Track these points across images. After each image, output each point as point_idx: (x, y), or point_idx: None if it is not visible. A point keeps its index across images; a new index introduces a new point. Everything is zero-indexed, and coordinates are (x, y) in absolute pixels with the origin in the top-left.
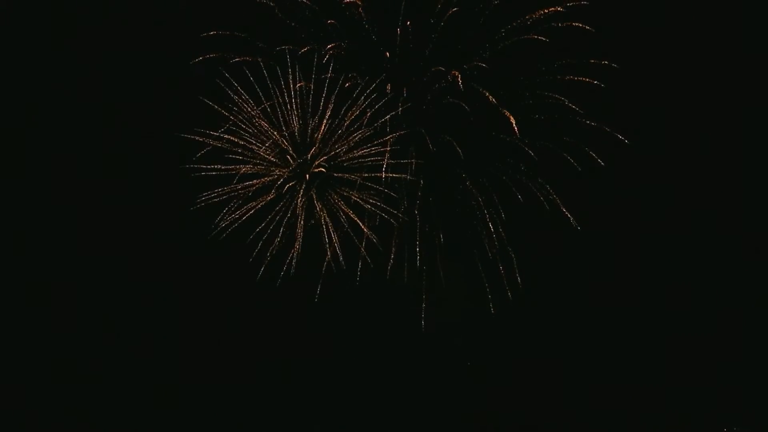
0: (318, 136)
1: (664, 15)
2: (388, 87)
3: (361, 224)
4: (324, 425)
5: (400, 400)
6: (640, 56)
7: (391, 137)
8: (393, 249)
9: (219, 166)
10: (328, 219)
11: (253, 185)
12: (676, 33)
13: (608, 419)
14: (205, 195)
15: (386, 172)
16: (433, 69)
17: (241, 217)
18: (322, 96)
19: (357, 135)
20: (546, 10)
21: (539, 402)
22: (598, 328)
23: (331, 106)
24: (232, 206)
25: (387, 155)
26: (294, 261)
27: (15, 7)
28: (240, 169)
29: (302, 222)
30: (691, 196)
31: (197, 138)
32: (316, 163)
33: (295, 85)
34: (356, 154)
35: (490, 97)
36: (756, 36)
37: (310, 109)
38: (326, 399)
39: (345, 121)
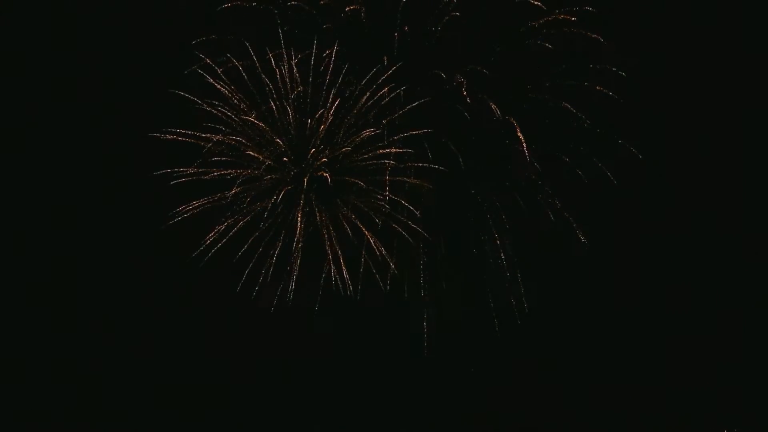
0: (318, 138)
1: (664, 19)
2: (386, 89)
3: (370, 239)
4: (324, 425)
5: (401, 400)
6: (644, 61)
7: (397, 137)
8: (394, 257)
9: (216, 170)
10: (330, 226)
11: (250, 189)
12: (678, 36)
13: (608, 419)
14: (196, 203)
15: (390, 176)
16: (430, 73)
17: (235, 224)
18: (320, 100)
19: (360, 136)
20: (549, 18)
21: (539, 402)
22: (598, 328)
23: (333, 108)
24: (229, 213)
25: (390, 159)
26: (292, 285)
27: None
28: (236, 173)
29: (301, 227)
30: (692, 198)
31: (185, 140)
32: (317, 164)
33: (293, 89)
34: (358, 158)
35: (494, 106)
36: (756, 37)
37: (308, 110)
38: (326, 400)
39: (345, 122)
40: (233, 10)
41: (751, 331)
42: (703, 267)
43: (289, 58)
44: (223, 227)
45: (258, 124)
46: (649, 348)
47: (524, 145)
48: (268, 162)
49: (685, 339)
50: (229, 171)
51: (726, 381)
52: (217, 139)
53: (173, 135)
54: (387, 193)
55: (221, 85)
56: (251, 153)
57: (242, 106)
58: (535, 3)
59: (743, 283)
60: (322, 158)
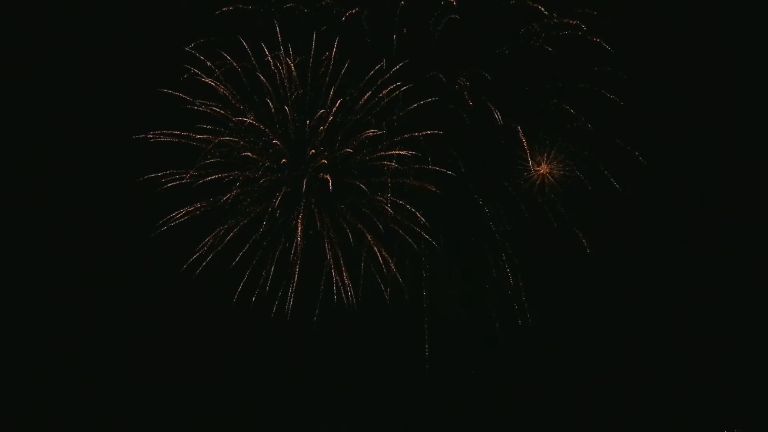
0: (318, 138)
1: (665, 23)
2: (384, 92)
3: (372, 243)
4: (330, 423)
5: (405, 400)
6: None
7: (398, 138)
8: (395, 257)
9: (213, 173)
10: (331, 230)
11: (247, 193)
12: (679, 39)
13: (608, 419)
14: (195, 205)
15: (391, 178)
16: (430, 75)
17: (231, 229)
18: (319, 101)
19: (361, 136)
20: (550, 22)
21: (539, 402)
22: (598, 327)
23: (333, 109)
24: (229, 217)
25: (393, 161)
26: (292, 290)
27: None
28: (232, 176)
29: (301, 233)
30: (691, 200)
31: (177, 140)
32: (316, 165)
33: (292, 91)
34: (359, 159)
35: (496, 112)
36: (758, 40)
37: (307, 110)
38: (332, 399)
39: (345, 123)
40: (232, 12)
41: (751, 331)
42: (704, 268)
43: (286, 55)
44: (221, 232)
45: (257, 125)
46: (649, 348)
47: (526, 148)
48: (266, 163)
49: (685, 339)
50: (226, 174)
51: (726, 381)
52: (218, 141)
53: (163, 137)
54: (390, 195)
55: (218, 85)
56: (248, 155)
57: (240, 107)
58: (534, 5)
59: (743, 284)
60: (322, 159)
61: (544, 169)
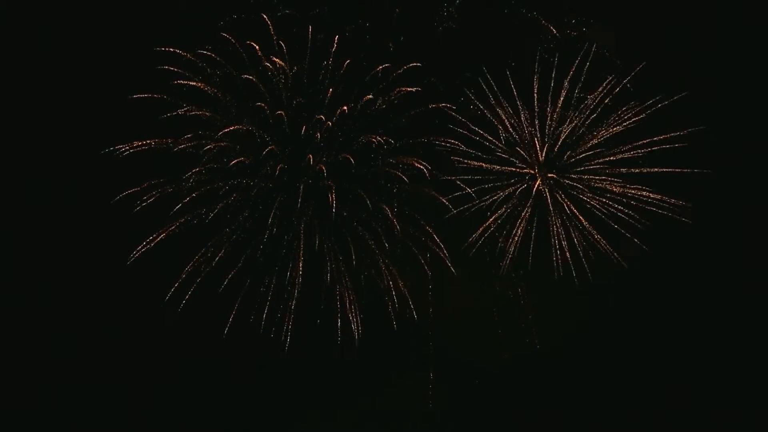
0: (316, 141)
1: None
2: (381, 100)
3: (382, 265)
4: (333, 425)
5: (406, 402)
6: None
7: (401, 142)
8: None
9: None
10: (333, 241)
11: (238, 204)
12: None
13: (609, 419)
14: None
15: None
16: (432, 81)
17: (219, 249)
18: (315, 107)
19: (361, 142)
20: (554, 34)
21: (541, 401)
22: (599, 328)
23: (333, 116)
24: (222, 232)
25: (399, 171)
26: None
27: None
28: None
29: (301, 254)
30: (691, 201)
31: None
32: (315, 169)
33: (289, 99)
34: (362, 168)
35: (497, 121)
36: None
37: (305, 116)
38: (336, 402)
39: (345, 129)
40: (230, 20)
41: (751, 331)
42: (703, 269)
43: (282, 59)
44: (208, 254)
45: (252, 129)
46: (650, 348)
47: (535, 165)
48: (265, 169)
49: (685, 340)
50: (222, 183)
51: (726, 381)
52: (215, 148)
53: (150, 146)
54: (395, 205)
55: (212, 90)
56: (242, 160)
57: (236, 113)
58: (532, 15)
59: (743, 285)
60: (320, 165)
61: (540, 180)
